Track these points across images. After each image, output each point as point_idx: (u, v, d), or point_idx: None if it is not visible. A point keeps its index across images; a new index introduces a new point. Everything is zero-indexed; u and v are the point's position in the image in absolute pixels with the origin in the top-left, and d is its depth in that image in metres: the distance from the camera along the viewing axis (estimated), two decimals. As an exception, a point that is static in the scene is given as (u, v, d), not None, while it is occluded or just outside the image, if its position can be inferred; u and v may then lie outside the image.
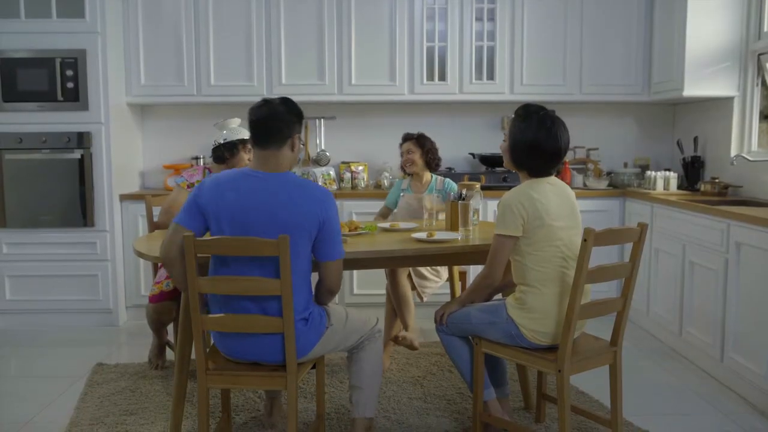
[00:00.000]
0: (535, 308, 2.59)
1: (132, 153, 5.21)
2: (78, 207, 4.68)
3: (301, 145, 2.68)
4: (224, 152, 3.73)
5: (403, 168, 4.22)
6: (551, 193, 2.65)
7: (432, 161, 4.16)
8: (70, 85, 4.61)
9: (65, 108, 4.63)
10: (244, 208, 2.40)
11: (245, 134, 3.76)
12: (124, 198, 4.84)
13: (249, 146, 3.78)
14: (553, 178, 2.72)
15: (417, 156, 4.12)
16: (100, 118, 4.66)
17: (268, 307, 2.41)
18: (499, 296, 3.01)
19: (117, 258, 4.80)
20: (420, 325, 4.37)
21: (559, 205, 2.64)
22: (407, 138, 4.18)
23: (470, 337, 2.86)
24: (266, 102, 2.53)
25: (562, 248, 2.58)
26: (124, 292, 4.91)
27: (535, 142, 2.62)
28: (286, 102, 2.53)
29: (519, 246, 2.62)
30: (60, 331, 4.67)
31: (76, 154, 4.66)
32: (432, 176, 4.20)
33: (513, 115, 2.74)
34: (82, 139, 4.64)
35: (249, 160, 3.78)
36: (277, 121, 2.48)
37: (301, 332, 2.47)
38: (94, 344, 4.39)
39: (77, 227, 4.71)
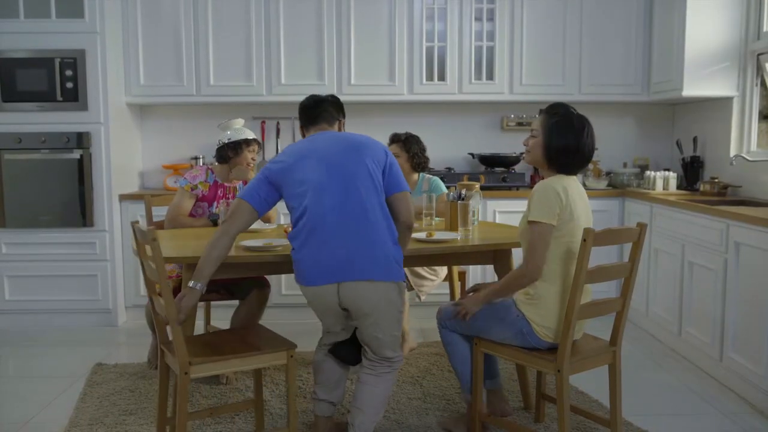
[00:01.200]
0: (548, 304, 2.58)
1: (131, 153, 5.21)
2: (77, 207, 4.68)
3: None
4: (228, 152, 3.75)
5: None
6: (577, 192, 2.64)
7: (419, 164, 4.11)
8: (69, 85, 4.61)
9: (64, 108, 4.63)
10: (330, 150, 2.66)
11: (249, 134, 3.78)
12: (123, 198, 4.84)
13: (253, 147, 3.78)
14: (575, 178, 2.70)
15: (402, 160, 4.04)
16: (99, 118, 4.66)
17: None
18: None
19: (116, 258, 4.80)
20: (420, 324, 4.38)
21: (581, 204, 2.64)
22: (393, 140, 4.12)
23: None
24: (315, 95, 2.93)
25: (578, 246, 2.52)
26: (123, 292, 4.91)
27: (576, 144, 2.59)
28: (332, 96, 2.93)
29: None
30: (59, 331, 4.67)
31: (76, 154, 4.66)
32: (419, 176, 4.17)
33: (546, 114, 2.66)
34: (81, 139, 4.64)
35: (252, 159, 3.79)
36: (326, 104, 2.86)
37: (395, 268, 2.63)
38: (94, 344, 4.39)
39: (76, 227, 4.71)
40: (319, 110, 2.84)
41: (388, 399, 2.79)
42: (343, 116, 2.92)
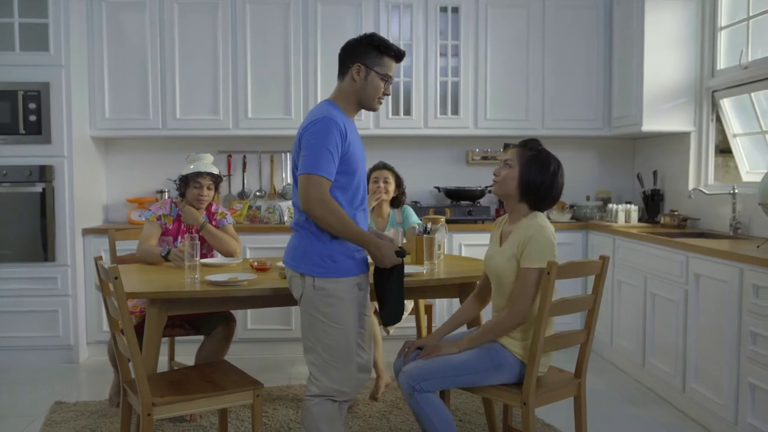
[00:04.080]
0: (529, 338, 2.59)
1: (95, 186, 5.15)
2: (39, 241, 4.60)
3: (375, 73, 2.57)
4: (180, 186, 3.75)
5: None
6: None
7: (400, 201, 4.15)
8: (32, 118, 4.56)
9: (27, 141, 4.57)
10: None
11: (203, 168, 3.73)
12: (86, 232, 4.77)
13: (200, 181, 3.72)
14: None
15: (392, 188, 4.08)
16: (63, 152, 4.61)
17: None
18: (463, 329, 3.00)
19: (78, 293, 4.71)
20: (387, 358, 4.36)
21: None
22: (385, 166, 4.13)
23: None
24: None
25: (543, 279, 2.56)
26: (85, 328, 4.80)
27: (551, 182, 2.64)
28: (363, 34, 2.63)
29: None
30: (18, 369, 4.54)
31: (38, 188, 4.59)
32: (390, 210, 4.17)
33: (523, 147, 2.68)
34: (44, 173, 4.58)
35: (200, 195, 3.72)
36: (341, 53, 2.63)
37: (298, 257, 2.54)
38: (53, 382, 4.28)
39: (38, 262, 4.62)
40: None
41: None
42: (356, 58, 2.57)
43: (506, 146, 2.82)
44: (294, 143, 2.59)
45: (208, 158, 3.83)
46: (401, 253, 2.58)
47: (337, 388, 2.53)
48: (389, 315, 2.64)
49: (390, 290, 2.60)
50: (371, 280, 2.65)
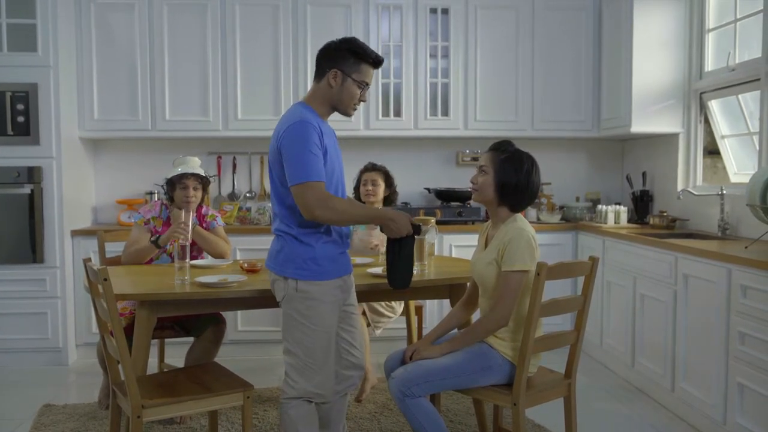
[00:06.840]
0: (518, 339, 2.60)
1: (84, 188, 5.12)
2: (27, 243, 4.57)
3: (351, 79, 2.56)
4: (167, 191, 3.72)
5: (357, 196, 4.17)
6: None
7: (391, 200, 4.16)
8: (20, 119, 4.53)
9: (15, 142, 4.54)
10: None
11: (188, 170, 3.70)
12: (75, 233, 4.75)
13: (185, 183, 3.68)
14: None
15: (381, 189, 4.09)
16: (51, 153, 4.58)
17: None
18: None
19: (67, 295, 4.68)
20: (376, 359, 4.37)
21: None
22: (374, 168, 4.13)
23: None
24: None
25: (530, 280, 2.57)
26: (74, 330, 4.78)
27: (526, 180, 2.65)
28: (342, 38, 2.61)
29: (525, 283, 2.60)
30: (5, 372, 4.51)
31: (26, 189, 4.56)
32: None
33: (495, 150, 2.71)
34: (32, 174, 4.55)
35: (186, 196, 3.66)
36: (319, 56, 2.60)
37: (278, 260, 2.56)
38: (42, 385, 4.25)
39: (26, 263, 4.59)
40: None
41: None
42: (333, 63, 2.54)
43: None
44: (271, 146, 2.56)
45: (195, 162, 3.81)
46: (417, 229, 2.62)
47: (314, 391, 2.55)
48: (397, 280, 2.64)
49: (399, 259, 2.61)
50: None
